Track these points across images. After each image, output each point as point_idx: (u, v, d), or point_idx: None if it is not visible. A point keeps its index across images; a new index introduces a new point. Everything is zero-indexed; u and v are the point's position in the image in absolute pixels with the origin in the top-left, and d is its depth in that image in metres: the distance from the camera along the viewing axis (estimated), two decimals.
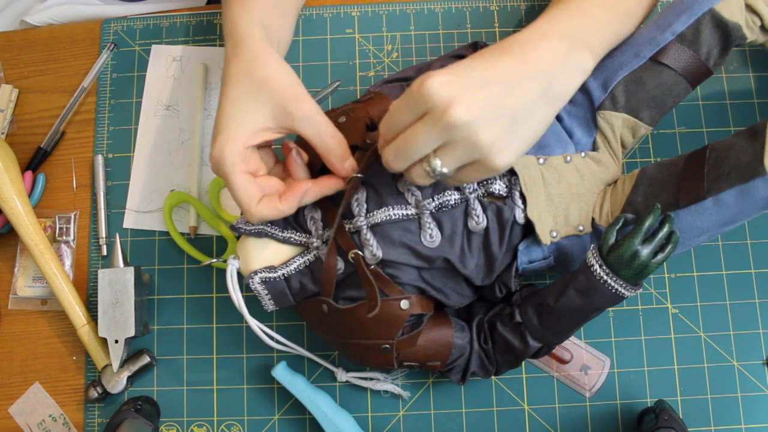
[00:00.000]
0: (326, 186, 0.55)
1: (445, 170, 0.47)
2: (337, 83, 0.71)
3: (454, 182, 0.50)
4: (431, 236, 0.54)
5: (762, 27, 0.59)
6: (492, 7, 0.74)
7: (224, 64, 0.56)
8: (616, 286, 0.52)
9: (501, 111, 0.46)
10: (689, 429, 0.59)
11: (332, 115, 0.61)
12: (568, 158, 0.58)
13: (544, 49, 0.49)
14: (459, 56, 0.65)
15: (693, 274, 0.67)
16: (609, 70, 0.59)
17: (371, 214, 0.55)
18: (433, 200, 0.55)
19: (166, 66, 0.73)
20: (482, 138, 0.46)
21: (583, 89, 0.60)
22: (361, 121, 0.58)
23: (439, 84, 0.45)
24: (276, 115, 0.52)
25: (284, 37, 0.62)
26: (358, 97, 0.67)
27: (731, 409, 0.65)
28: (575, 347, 0.66)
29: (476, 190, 0.56)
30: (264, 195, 0.53)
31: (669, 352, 0.66)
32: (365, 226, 0.54)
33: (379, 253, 0.54)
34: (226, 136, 0.52)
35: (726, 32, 0.58)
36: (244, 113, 0.52)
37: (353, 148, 0.56)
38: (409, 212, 0.55)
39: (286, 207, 0.53)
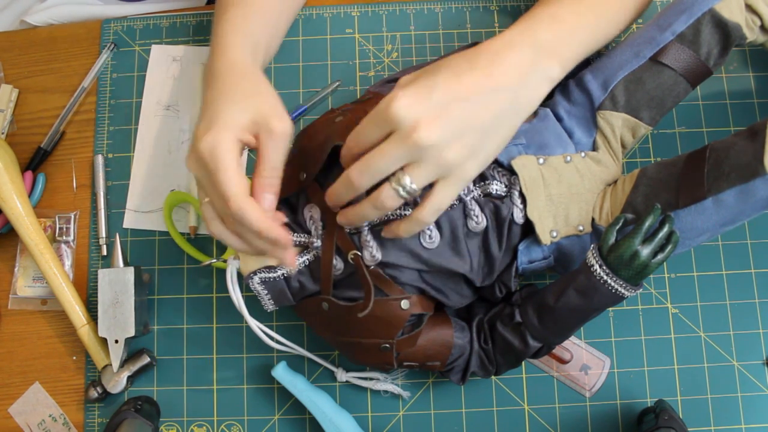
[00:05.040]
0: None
1: (414, 186, 0.47)
2: (337, 83, 0.71)
3: (431, 213, 0.49)
4: (430, 237, 0.54)
5: (762, 27, 0.59)
6: (492, 7, 0.74)
7: (211, 74, 0.55)
8: (616, 286, 0.52)
9: (467, 128, 0.47)
10: (689, 429, 0.59)
11: (331, 115, 0.61)
12: (568, 158, 0.58)
13: (511, 62, 0.49)
14: None
15: (693, 274, 0.67)
16: (609, 70, 0.59)
17: None
18: None
19: (166, 66, 0.73)
20: (449, 156, 0.47)
21: (583, 89, 0.60)
22: (356, 122, 0.58)
23: (406, 106, 0.46)
24: (256, 123, 0.51)
25: (272, 51, 0.63)
26: (358, 97, 0.67)
27: (731, 409, 0.65)
28: (575, 347, 0.66)
29: (472, 191, 0.56)
30: None
31: (669, 352, 0.66)
32: (365, 228, 0.54)
33: (378, 255, 0.54)
34: (221, 125, 0.50)
35: (726, 32, 0.58)
36: (237, 109, 0.51)
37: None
38: (407, 213, 0.55)
39: (267, 204, 0.51)
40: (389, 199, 0.48)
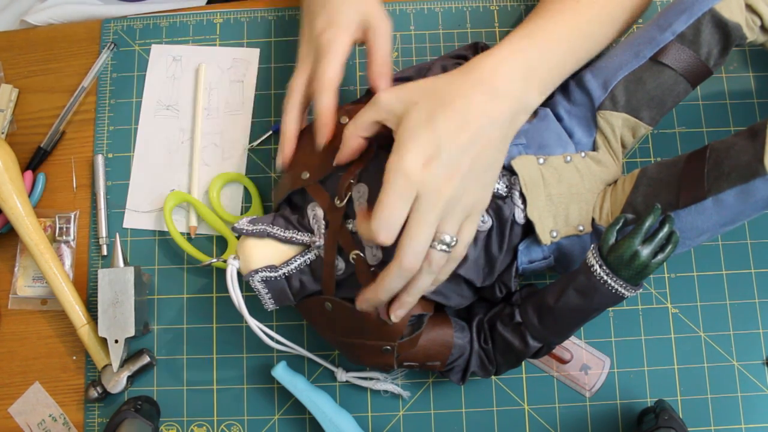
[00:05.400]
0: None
1: (454, 237, 0.50)
2: None
3: (465, 248, 0.52)
4: None
5: (762, 27, 0.59)
6: (492, 7, 0.74)
7: None
8: (616, 286, 0.52)
9: (477, 169, 0.50)
10: (689, 429, 0.59)
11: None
12: (568, 158, 0.58)
13: (504, 90, 0.51)
14: (460, 56, 0.65)
15: (693, 274, 0.67)
16: (609, 70, 0.59)
17: None
18: None
19: (166, 66, 0.73)
20: (470, 200, 0.50)
21: (584, 89, 0.60)
22: None
23: (426, 175, 0.48)
24: (365, 22, 0.60)
25: None
26: (358, 97, 0.67)
27: (731, 409, 0.65)
28: (575, 347, 0.66)
29: None
30: None
31: (669, 352, 0.66)
32: None
33: (380, 254, 0.54)
34: (339, 24, 0.59)
35: (726, 32, 0.58)
36: (351, 10, 0.60)
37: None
38: None
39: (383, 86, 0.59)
40: (440, 259, 0.50)
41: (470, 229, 0.52)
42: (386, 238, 0.49)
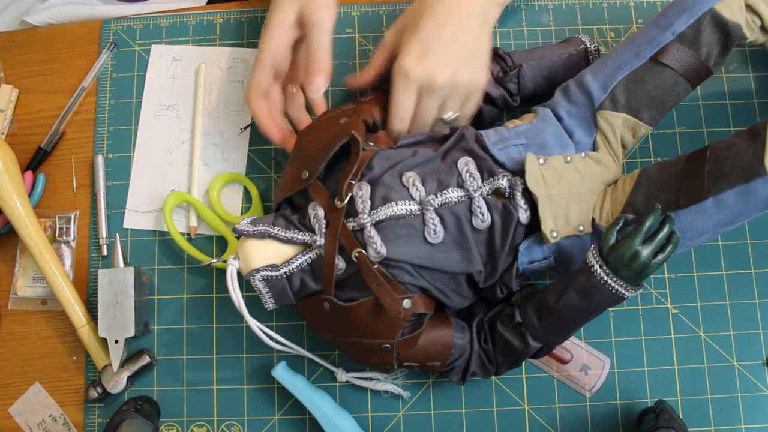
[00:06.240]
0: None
1: (453, 115, 0.61)
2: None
3: (469, 116, 0.63)
4: (435, 232, 0.55)
5: (762, 27, 0.59)
6: None
7: None
8: (616, 287, 0.52)
9: (462, 55, 0.60)
10: (689, 429, 0.59)
11: (332, 115, 0.61)
12: (569, 158, 0.58)
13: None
14: None
15: (693, 274, 0.67)
16: (609, 70, 0.60)
17: (375, 211, 0.55)
18: (437, 197, 0.55)
19: (166, 66, 0.73)
20: (462, 80, 0.60)
21: (584, 89, 0.60)
22: (361, 123, 0.58)
23: (419, 70, 0.58)
24: (301, 16, 0.62)
25: None
26: (359, 97, 0.67)
27: (731, 409, 0.65)
28: (575, 347, 0.66)
29: (481, 187, 0.56)
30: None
31: (669, 352, 0.66)
32: (369, 224, 0.54)
33: (383, 251, 0.54)
34: (272, 28, 0.62)
35: (726, 32, 0.58)
36: (287, 7, 0.62)
37: (346, 152, 0.57)
38: (413, 208, 0.55)
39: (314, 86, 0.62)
40: (440, 128, 0.63)
41: (470, 107, 0.63)
42: (400, 127, 0.61)
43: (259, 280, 0.56)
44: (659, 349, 0.66)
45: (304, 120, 0.65)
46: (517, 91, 0.65)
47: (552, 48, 0.67)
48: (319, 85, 0.61)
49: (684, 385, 0.65)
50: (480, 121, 0.66)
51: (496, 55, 0.65)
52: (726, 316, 0.66)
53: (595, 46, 0.67)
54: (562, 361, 0.66)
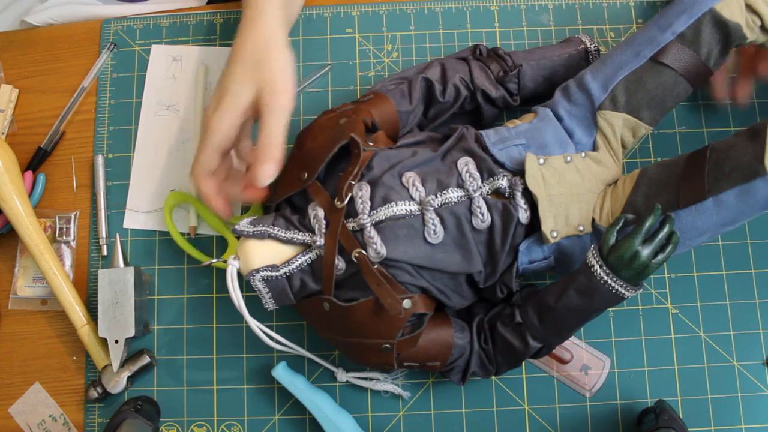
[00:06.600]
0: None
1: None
2: (328, 66, 0.71)
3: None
4: (435, 232, 0.55)
5: (762, 27, 0.59)
6: (492, 7, 0.74)
7: (237, 34, 0.61)
8: (616, 287, 0.52)
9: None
10: (689, 429, 0.59)
11: (332, 115, 0.61)
12: (569, 158, 0.58)
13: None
14: (461, 59, 0.65)
15: (693, 274, 0.67)
16: (609, 70, 0.59)
17: (375, 211, 0.55)
18: (437, 197, 0.55)
19: (166, 66, 0.73)
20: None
21: (584, 89, 0.60)
22: (361, 123, 0.58)
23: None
24: (258, 97, 0.58)
25: (297, 8, 0.68)
26: (358, 97, 0.67)
27: (731, 409, 0.65)
28: (575, 347, 0.66)
29: (481, 187, 0.56)
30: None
31: (669, 352, 0.66)
32: (369, 224, 0.54)
33: (383, 251, 0.54)
34: (226, 105, 0.58)
35: (726, 32, 0.58)
36: (242, 88, 0.58)
37: (345, 153, 0.57)
38: (413, 208, 0.55)
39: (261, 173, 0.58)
40: None
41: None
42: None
43: (259, 281, 0.56)
44: (659, 349, 0.66)
45: (243, 198, 0.62)
46: (517, 91, 0.65)
47: (552, 48, 0.67)
48: (269, 172, 0.57)
49: (684, 385, 0.65)
50: (480, 120, 0.66)
51: (497, 55, 0.65)
52: (726, 316, 0.66)
53: (595, 46, 0.67)
54: (562, 361, 0.66)
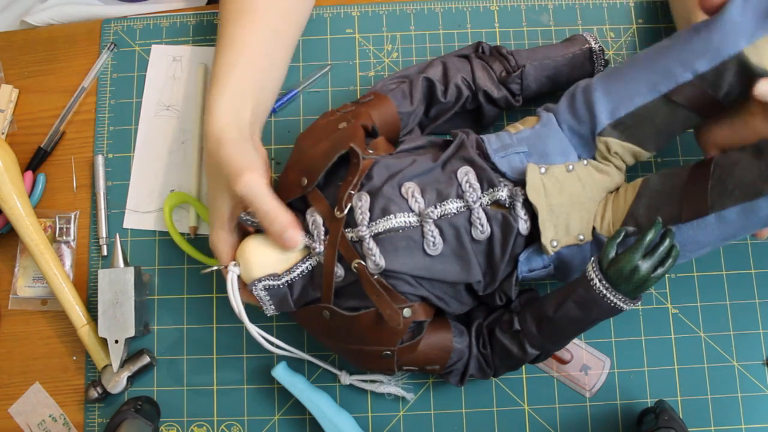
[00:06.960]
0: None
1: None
2: (329, 66, 0.71)
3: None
4: (434, 244, 0.54)
5: None
6: (492, 7, 0.74)
7: (205, 140, 0.60)
8: (615, 300, 0.52)
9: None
10: (689, 429, 0.59)
11: (332, 117, 0.60)
12: (570, 167, 0.57)
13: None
14: (462, 56, 0.65)
15: (693, 274, 0.67)
16: (620, 97, 0.57)
17: (374, 223, 0.54)
18: (436, 208, 0.55)
19: (166, 66, 0.73)
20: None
21: (590, 108, 0.57)
22: (360, 129, 0.58)
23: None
24: (240, 203, 0.57)
25: (269, 94, 0.66)
26: (358, 97, 0.67)
27: (731, 409, 0.65)
28: (575, 347, 0.66)
29: (480, 198, 0.56)
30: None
31: (669, 352, 0.66)
32: (368, 236, 0.54)
33: (382, 263, 0.54)
34: (216, 224, 0.59)
35: (750, 78, 0.53)
36: (222, 202, 0.58)
37: (345, 159, 0.56)
38: (412, 220, 0.54)
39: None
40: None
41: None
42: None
43: (261, 289, 0.56)
44: (659, 349, 0.66)
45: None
46: (519, 91, 0.65)
47: (556, 47, 0.67)
48: (295, 239, 0.55)
49: (684, 385, 0.65)
50: (481, 120, 0.66)
51: (500, 54, 0.65)
52: (726, 316, 0.66)
53: (599, 46, 0.66)
54: (562, 362, 0.66)
